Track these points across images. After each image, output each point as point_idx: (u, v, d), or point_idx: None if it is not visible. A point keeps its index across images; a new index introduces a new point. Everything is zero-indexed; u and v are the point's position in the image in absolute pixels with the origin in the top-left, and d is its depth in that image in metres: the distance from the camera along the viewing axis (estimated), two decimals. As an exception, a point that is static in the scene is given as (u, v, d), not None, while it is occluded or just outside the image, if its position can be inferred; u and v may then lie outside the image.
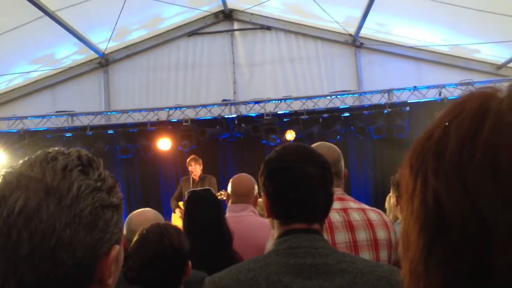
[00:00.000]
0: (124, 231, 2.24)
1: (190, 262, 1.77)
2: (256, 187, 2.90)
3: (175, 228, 1.83)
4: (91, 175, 0.74)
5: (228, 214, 2.69)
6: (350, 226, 1.89)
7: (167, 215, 6.50)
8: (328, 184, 1.37)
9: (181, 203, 6.34)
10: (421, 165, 0.48)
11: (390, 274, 1.28)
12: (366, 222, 1.92)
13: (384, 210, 3.21)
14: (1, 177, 0.72)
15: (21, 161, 0.74)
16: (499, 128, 0.43)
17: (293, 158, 1.36)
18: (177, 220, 6.29)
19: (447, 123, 0.47)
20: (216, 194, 2.77)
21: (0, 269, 0.68)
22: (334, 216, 1.85)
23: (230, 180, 2.94)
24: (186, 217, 2.57)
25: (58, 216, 0.68)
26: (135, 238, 1.77)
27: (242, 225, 2.57)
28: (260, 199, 3.82)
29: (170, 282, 1.72)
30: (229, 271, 1.36)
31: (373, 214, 1.98)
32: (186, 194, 2.76)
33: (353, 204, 2.00)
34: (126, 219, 2.29)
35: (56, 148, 0.76)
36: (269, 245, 1.97)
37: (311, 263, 1.28)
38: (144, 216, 2.27)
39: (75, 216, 0.69)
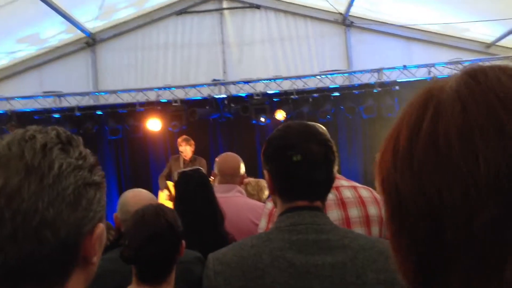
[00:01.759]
0: (119, 213, 2.23)
1: (184, 241, 1.79)
2: (242, 166, 2.88)
3: (169, 208, 1.84)
4: (71, 153, 0.73)
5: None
6: (342, 204, 1.91)
7: (156, 195, 6.49)
8: (331, 162, 1.38)
9: (170, 183, 6.32)
10: (384, 164, 0.54)
11: (389, 249, 1.29)
12: (358, 200, 1.94)
13: (374, 189, 3.23)
14: None
15: None
16: (437, 116, 0.48)
17: (296, 136, 1.36)
18: (163, 200, 6.28)
19: (401, 120, 0.53)
20: (210, 178, 2.76)
21: None
22: (327, 194, 1.87)
23: (216, 160, 2.92)
24: (177, 198, 2.56)
25: (40, 195, 0.66)
26: (130, 218, 1.77)
27: (228, 206, 2.56)
28: (250, 179, 3.83)
29: (166, 261, 1.74)
30: (232, 247, 1.37)
31: (364, 191, 2.00)
32: (175, 175, 2.74)
33: (344, 182, 2.02)
34: (120, 200, 2.28)
35: (34, 127, 0.74)
36: (262, 224, 1.98)
37: (314, 239, 1.29)
38: (139, 197, 2.26)
39: (58, 195, 0.68)
